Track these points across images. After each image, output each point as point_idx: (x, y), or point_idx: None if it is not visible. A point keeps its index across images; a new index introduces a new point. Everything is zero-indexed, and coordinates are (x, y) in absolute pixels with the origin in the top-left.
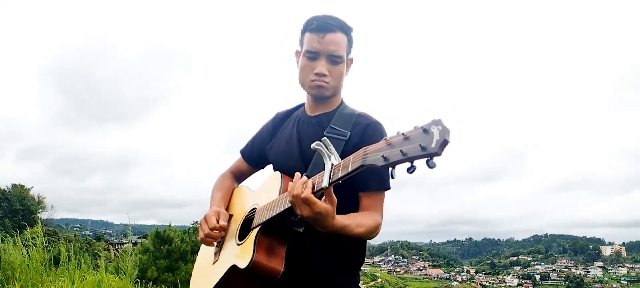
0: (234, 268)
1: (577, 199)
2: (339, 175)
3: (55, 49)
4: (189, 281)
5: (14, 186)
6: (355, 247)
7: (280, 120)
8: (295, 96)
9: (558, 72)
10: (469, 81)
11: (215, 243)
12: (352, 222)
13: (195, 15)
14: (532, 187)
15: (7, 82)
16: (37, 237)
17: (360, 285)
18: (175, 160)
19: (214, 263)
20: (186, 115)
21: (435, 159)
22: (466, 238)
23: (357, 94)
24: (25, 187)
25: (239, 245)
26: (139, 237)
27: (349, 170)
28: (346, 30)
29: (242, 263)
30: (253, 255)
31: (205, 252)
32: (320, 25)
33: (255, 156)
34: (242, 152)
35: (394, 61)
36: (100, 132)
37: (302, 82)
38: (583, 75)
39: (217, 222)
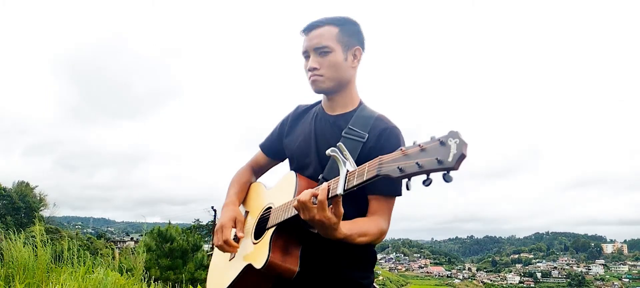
0: (249, 268)
1: (590, 196)
2: (354, 183)
3: (67, 43)
4: (191, 281)
5: (17, 183)
6: (370, 245)
7: (300, 114)
8: (306, 93)
9: (571, 69)
10: (485, 80)
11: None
12: (355, 232)
13: (209, 10)
14: (545, 184)
15: (18, 76)
16: (42, 234)
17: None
18: (185, 156)
19: (230, 260)
20: (199, 110)
21: (452, 173)
22: (468, 236)
23: (374, 93)
24: (28, 185)
25: (254, 244)
26: (141, 235)
27: (364, 179)
28: (338, 23)
29: (258, 264)
30: (269, 256)
31: None
32: (306, 26)
33: (274, 148)
34: (261, 146)
35: (408, 59)
36: (110, 127)
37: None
38: (596, 72)
39: (234, 230)
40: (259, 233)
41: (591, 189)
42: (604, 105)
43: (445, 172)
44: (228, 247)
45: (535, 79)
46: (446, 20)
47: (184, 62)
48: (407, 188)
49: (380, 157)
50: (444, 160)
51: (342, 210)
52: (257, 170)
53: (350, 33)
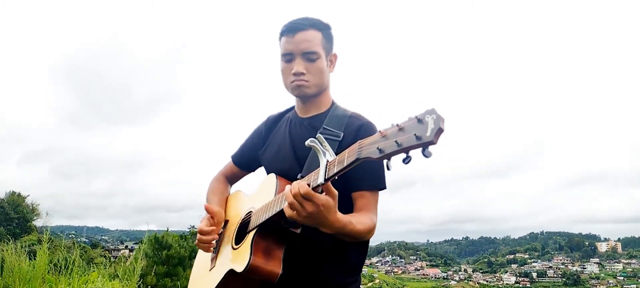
0: (231, 273)
1: (583, 195)
2: (335, 171)
3: (65, 48)
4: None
5: (10, 194)
6: (356, 248)
7: (272, 123)
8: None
9: (571, 67)
10: (480, 80)
11: (212, 249)
12: (353, 218)
13: (208, 14)
14: (539, 184)
15: (15, 82)
16: (39, 243)
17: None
18: (182, 162)
19: (210, 270)
20: (198, 116)
21: (431, 148)
22: (463, 238)
23: (372, 91)
24: (21, 195)
25: (235, 249)
26: (136, 243)
27: (345, 164)
28: (320, 27)
29: (239, 267)
30: (250, 258)
31: (202, 258)
32: (290, 27)
33: (245, 160)
34: (233, 157)
35: (408, 55)
36: (108, 134)
37: (284, 85)
38: (592, 71)
39: (209, 226)
40: (240, 238)
41: (585, 188)
42: (597, 104)
43: (424, 147)
44: (203, 237)
45: (530, 80)
46: (447, 17)
47: (183, 68)
48: (387, 169)
49: (359, 141)
50: (422, 135)
51: (335, 191)
52: (231, 178)
53: (329, 38)
